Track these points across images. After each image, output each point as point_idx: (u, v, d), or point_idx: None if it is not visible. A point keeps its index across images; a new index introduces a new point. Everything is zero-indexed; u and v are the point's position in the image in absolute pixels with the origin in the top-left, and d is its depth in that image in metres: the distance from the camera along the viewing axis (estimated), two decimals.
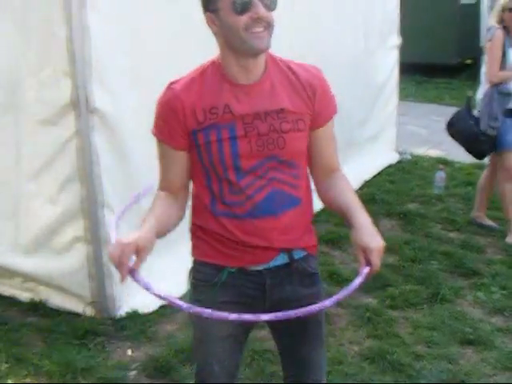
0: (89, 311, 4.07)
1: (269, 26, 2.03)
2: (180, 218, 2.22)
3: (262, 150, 2.10)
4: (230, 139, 2.08)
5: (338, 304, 4.28)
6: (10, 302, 4.26)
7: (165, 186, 2.22)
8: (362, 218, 2.10)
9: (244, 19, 1.99)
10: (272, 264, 2.21)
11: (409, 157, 7.84)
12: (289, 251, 2.20)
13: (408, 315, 4.22)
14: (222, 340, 2.28)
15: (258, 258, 2.19)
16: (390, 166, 7.40)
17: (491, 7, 14.89)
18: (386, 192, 6.51)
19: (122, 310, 4.08)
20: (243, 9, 1.99)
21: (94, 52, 3.69)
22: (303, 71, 2.19)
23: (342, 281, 4.59)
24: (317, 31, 5.74)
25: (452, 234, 5.54)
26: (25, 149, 4.02)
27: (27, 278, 4.24)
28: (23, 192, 4.10)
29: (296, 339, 2.36)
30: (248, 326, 2.36)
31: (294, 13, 5.27)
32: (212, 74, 2.13)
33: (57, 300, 4.16)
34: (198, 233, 2.25)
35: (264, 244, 2.14)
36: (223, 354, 2.31)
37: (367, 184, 6.69)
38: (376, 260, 2.02)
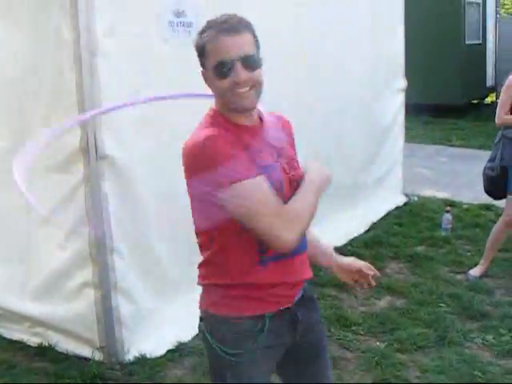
0: (97, 356, 4.07)
1: (254, 85, 2.07)
2: None
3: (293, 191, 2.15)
4: (280, 183, 2.12)
5: (346, 348, 4.28)
6: (19, 346, 4.27)
7: None
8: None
9: (227, 83, 2.04)
10: (296, 298, 2.27)
11: (416, 199, 7.83)
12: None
13: (416, 358, 4.20)
14: None
15: (290, 296, 2.24)
16: (396, 208, 7.41)
17: (497, 47, 15.08)
18: (393, 234, 6.52)
19: (131, 355, 4.08)
20: (224, 74, 2.04)
21: (103, 99, 3.75)
22: (283, 120, 2.36)
23: (350, 324, 4.59)
24: (323, 79, 5.82)
25: (460, 277, 5.53)
26: (34, 194, 4.05)
27: (36, 322, 4.26)
28: (32, 237, 4.14)
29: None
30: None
31: (298, 58, 5.36)
32: (223, 123, 2.11)
33: (65, 345, 4.17)
34: (225, 292, 2.17)
35: (296, 280, 2.24)
36: None
37: (374, 226, 6.71)
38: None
